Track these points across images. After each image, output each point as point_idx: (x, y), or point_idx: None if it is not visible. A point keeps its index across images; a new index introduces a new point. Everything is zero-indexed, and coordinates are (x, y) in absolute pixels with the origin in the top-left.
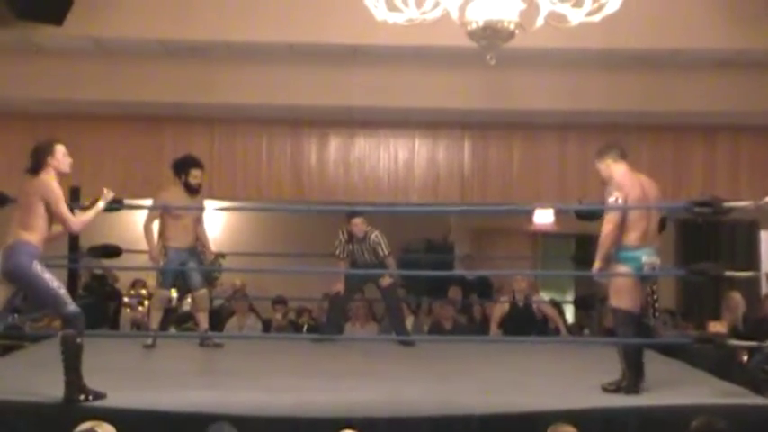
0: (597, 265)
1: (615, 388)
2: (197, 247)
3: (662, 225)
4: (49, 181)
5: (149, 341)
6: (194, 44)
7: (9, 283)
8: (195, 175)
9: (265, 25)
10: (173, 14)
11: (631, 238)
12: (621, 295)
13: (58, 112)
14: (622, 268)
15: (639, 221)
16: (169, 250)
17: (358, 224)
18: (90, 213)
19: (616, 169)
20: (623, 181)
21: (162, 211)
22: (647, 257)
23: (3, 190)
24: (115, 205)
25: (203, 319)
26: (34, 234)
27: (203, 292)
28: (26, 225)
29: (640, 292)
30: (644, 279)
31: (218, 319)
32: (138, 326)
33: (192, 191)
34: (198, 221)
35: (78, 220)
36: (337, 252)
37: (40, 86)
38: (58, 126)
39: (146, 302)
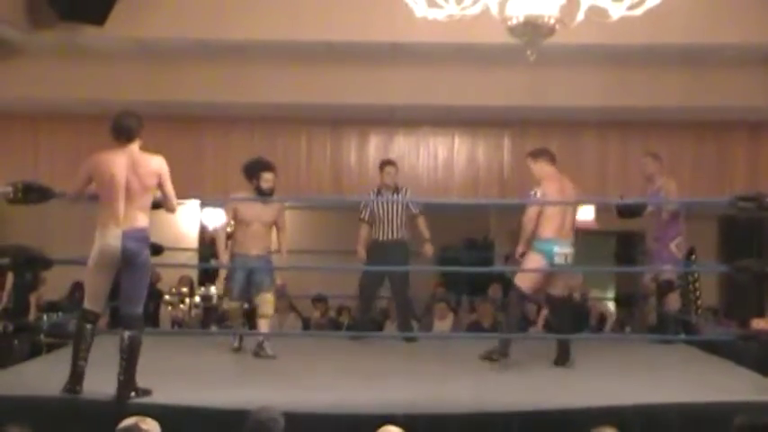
0: (519, 249)
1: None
2: (268, 253)
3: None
4: (160, 157)
5: (236, 344)
6: (234, 43)
7: (117, 266)
8: (267, 179)
9: (305, 24)
10: (212, 14)
11: (546, 230)
12: (524, 277)
13: (99, 113)
14: (535, 256)
15: (555, 216)
16: (236, 257)
17: (391, 173)
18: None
19: (547, 170)
20: (546, 181)
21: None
22: (558, 248)
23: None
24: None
25: (264, 326)
26: (148, 218)
27: (268, 296)
28: (146, 209)
29: (546, 279)
30: (557, 268)
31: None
32: (179, 324)
33: (264, 195)
34: (271, 227)
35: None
36: (362, 215)
37: (81, 87)
38: (99, 126)
39: (186, 300)
